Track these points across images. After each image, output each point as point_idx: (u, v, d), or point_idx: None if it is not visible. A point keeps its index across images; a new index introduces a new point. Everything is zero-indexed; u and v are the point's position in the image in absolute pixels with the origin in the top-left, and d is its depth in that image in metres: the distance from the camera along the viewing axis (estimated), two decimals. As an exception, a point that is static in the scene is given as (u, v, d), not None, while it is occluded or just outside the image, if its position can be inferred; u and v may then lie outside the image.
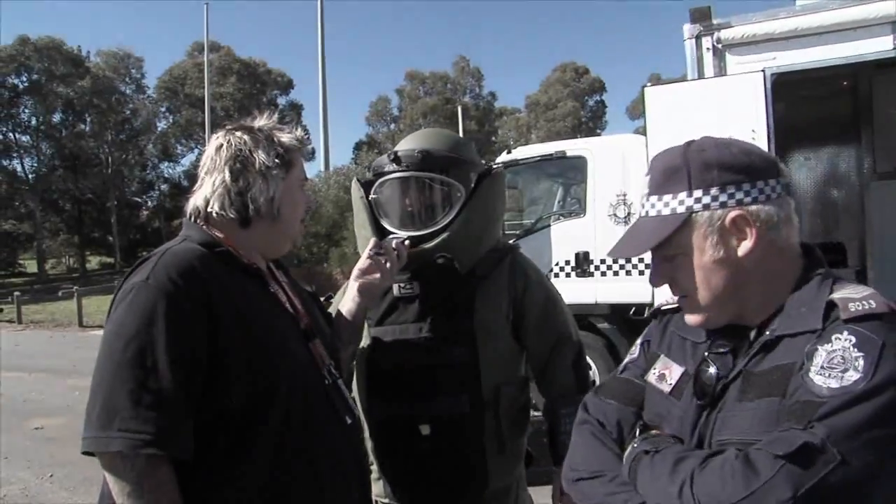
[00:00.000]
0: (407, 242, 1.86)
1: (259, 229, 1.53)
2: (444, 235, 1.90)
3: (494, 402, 1.91)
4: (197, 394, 1.32)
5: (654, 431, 1.18)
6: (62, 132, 40.41)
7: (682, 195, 1.10)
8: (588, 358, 7.21)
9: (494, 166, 2.14)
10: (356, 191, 2.06)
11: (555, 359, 2.00)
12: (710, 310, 1.13)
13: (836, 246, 7.47)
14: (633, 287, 6.31)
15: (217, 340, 1.35)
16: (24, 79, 38.48)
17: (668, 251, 1.12)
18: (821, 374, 0.96)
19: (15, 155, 39.44)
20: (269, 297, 1.55)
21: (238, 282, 1.47)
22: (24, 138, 39.84)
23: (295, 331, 1.55)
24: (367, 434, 1.97)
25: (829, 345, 0.98)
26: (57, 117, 40.56)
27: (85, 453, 1.31)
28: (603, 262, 6.53)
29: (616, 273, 6.48)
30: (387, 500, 1.99)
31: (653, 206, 1.14)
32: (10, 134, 39.37)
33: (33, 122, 39.75)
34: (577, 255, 6.58)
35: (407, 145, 1.99)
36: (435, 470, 1.90)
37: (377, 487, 1.99)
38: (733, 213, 1.07)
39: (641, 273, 6.30)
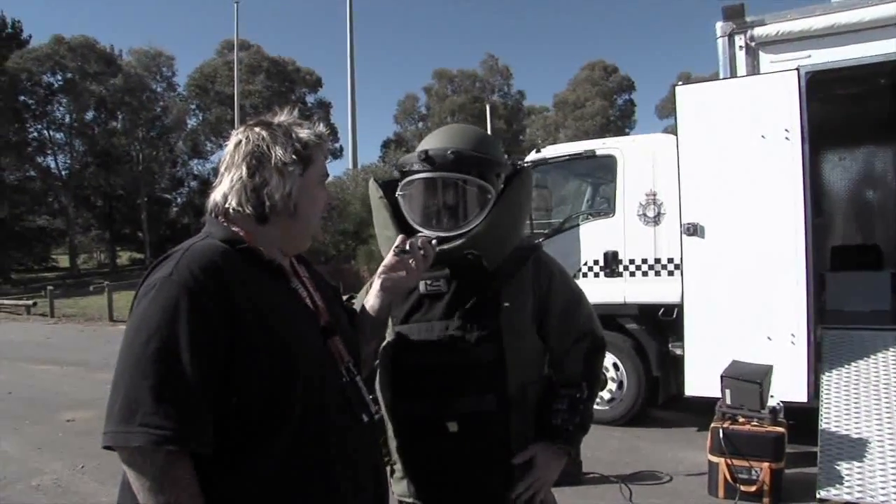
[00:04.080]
0: (434, 242, 1.82)
1: (277, 225, 1.53)
2: (472, 233, 1.88)
3: (521, 402, 1.89)
4: (216, 389, 1.32)
5: None
6: (95, 129, 40.91)
7: None
8: (616, 358, 7.03)
9: (523, 165, 2.10)
10: (374, 191, 2.03)
11: (571, 350, 2.01)
12: None
13: (871, 248, 7.34)
14: (662, 288, 6.25)
15: (237, 336, 1.35)
16: (59, 77, 39.09)
17: None
18: None
19: (49, 152, 40.06)
20: (289, 294, 1.55)
21: (259, 278, 1.47)
22: (58, 135, 40.40)
23: (314, 327, 1.55)
24: (390, 433, 1.96)
25: None
26: (90, 115, 41.06)
27: (105, 447, 1.30)
28: (632, 261, 6.48)
29: (645, 273, 6.42)
30: (410, 500, 1.97)
31: None
32: (45, 131, 40.05)
33: (67, 119, 40.31)
34: (605, 254, 6.54)
35: (436, 143, 1.94)
36: (460, 469, 1.88)
37: (400, 487, 1.97)
38: None
39: (671, 274, 6.23)
